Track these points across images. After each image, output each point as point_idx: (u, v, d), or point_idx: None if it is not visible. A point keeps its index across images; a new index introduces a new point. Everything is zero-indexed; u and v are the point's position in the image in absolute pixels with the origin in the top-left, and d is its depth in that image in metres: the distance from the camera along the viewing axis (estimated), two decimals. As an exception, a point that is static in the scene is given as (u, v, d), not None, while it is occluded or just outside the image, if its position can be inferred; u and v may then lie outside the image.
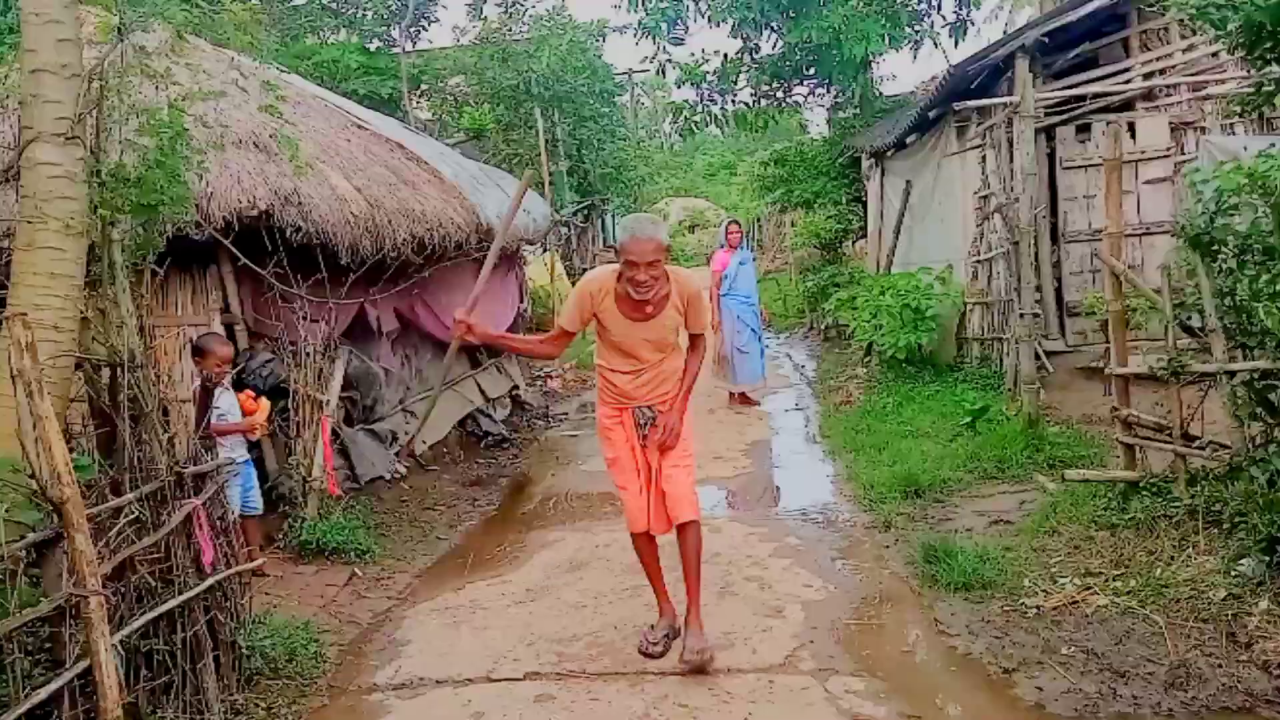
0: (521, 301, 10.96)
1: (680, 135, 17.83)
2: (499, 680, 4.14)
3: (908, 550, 5.31)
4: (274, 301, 6.03)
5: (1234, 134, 7.95)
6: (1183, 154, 8.23)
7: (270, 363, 5.97)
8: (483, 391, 9.38)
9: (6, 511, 2.90)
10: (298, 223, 5.75)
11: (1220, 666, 3.67)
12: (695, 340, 4.33)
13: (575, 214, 16.24)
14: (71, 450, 3.16)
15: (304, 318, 6.07)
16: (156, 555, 3.59)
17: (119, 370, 3.59)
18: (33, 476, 2.93)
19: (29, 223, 3.55)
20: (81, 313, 3.63)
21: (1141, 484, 4.96)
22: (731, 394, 10.28)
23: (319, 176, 6.15)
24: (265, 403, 5.47)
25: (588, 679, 4.13)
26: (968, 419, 7.28)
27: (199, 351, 5.19)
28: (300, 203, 5.79)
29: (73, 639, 2.96)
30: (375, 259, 6.46)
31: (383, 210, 6.51)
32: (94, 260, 3.70)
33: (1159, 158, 8.35)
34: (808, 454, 8.25)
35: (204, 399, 5.14)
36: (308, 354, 6.05)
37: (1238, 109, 5.65)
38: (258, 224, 5.61)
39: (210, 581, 3.84)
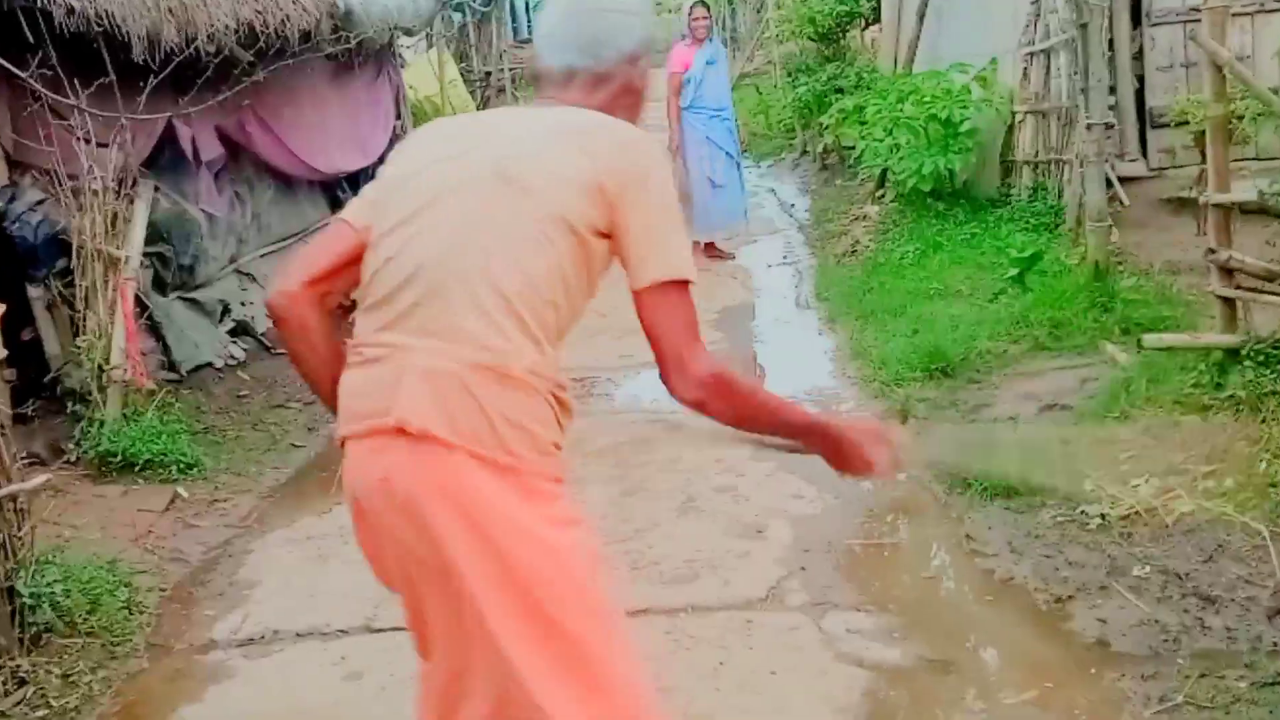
0: (398, 118, 10.73)
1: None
2: (382, 630, 4.18)
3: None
4: (42, 118, 5.84)
5: None
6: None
7: (42, 204, 5.81)
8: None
9: None
10: (70, 2, 5.53)
11: (1339, 586, 3.82)
12: None
13: (474, -4, 15.79)
14: None
15: (87, 140, 5.88)
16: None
17: None
18: None
19: None
20: None
21: (1244, 351, 5.05)
22: (695, 243, 10.24)
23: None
24: None
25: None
26: (1014, 271, 7.32)
27: None
28: (72, -28, 5.55)
29: None
30: (186, 55, 6.24)
31: (194, -16, 6.28)
32: None
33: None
34: (799, 323, 8.32)
35: None
36: (95, 192, 5.88)
37: None
38: (11, 4, 5.39)
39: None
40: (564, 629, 2.12)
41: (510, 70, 17.46)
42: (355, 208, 2.39)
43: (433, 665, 2.30)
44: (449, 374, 2.09)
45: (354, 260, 2.31)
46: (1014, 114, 9.45)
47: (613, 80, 2.37)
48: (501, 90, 17.00)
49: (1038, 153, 9.13)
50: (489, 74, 16.59)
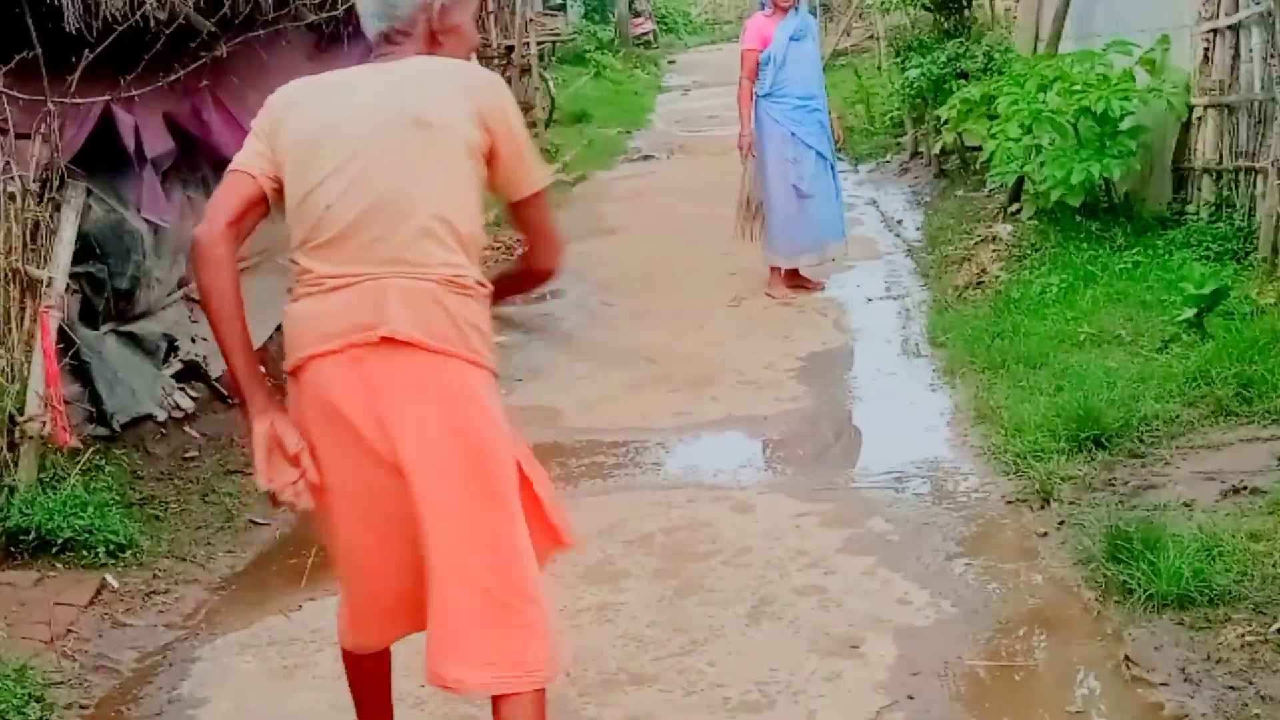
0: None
1: None
2: (363, 766, 4.18)
3: (1079, 540, 5.37)
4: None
5: None
6: None
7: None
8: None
9: None
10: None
11: None
12: None
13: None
14: None
15: (3, 130, 5.96)
16: None
17: None
18: None
19: None
20: None
21: None
22: (775, 270, 10.23)
23: None
24: None
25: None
26: (1190, 311, 7.27)
27: None
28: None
29: None
30: (131, 24, 6.32)
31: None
32: None
33: None
34: (907, 375, 8.31)
35: None
36: (11, 196, 5.96)
37: None
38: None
39: None
40: (503, 496, 3.38)
41: (539, 45, 17.53)
42: (250, 158, 3.35)
43: (382, 565, 3.59)
44: (423, 291, 3.23)
45: (256, 205, 3.34)
46: (1191, 108, 9.42)
47: (416, 28, 3.44)
48: (526, 70, 17.09)
49: (1221, 158, 9.08)
50: (510, 49, 16.71)
